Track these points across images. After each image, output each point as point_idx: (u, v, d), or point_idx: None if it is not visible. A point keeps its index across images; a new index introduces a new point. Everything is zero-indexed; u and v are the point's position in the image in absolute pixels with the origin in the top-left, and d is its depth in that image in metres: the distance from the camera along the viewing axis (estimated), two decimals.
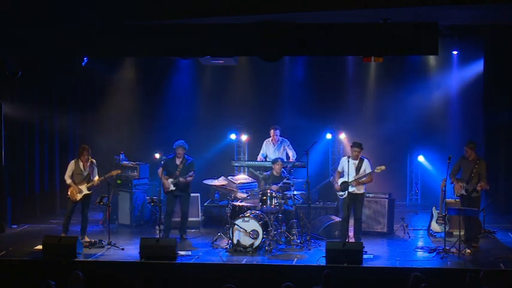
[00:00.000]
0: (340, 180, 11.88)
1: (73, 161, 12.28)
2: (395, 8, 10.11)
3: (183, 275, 10.52)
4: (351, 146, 11.96)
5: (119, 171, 12.91)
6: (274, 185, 12.13)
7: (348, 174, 11.62)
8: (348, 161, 11.66)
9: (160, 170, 12.43)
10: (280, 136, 14.19)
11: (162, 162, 12.46)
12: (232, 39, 10.44)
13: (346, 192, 11.66)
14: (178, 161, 12.36)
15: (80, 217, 12.28)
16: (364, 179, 11.69)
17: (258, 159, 14.30)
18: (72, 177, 12.14)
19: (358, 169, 11.69)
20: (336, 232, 12.23)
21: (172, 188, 12.24)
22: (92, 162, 12.27)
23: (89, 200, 12.27)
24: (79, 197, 12.06)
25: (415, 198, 16.04)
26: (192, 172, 12.30)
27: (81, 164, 12.16)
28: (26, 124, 14.05)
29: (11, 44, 10.82)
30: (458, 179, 11.62)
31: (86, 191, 12.09)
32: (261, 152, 14.31)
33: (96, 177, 12.23)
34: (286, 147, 14.15)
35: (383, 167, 11.65)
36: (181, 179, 12.19)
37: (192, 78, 16.21)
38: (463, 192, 11.55)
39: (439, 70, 15.60)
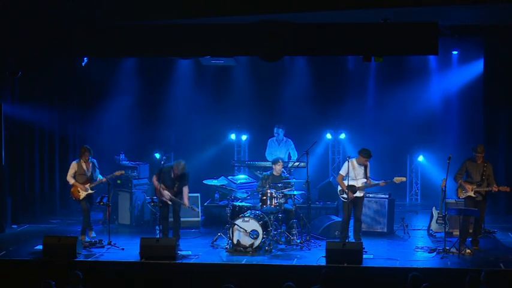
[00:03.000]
0: (345, 183, 11.77)
1: (75, 163, 12.31)
2: (395, 8, 10.13)
3: (183, 275, 10.52)
4: (364, 156, 11.57)
5: (123, 172, 12.87)
6: (273, 188, 12.07)
7: (359, 180, 11.59)
8: (359, 165, 11.61)
9: (155, 179, 12.08)
10: (284, 136, 14.23)
11: (158, 171, 12.08)
12: (232, 39, 10.44)
13: (353, 196, 11.62)
14: (173, 174, 11.96)
15: (80, 217, 12.29)
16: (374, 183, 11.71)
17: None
18: (74, 178, 12.18)
19: (365, 174, 11.67)
20: (336, 232, 12.21)
21: (169, 202, 11.94)
22: (93, 162, 12.31)
23: (92, 200, 12.33)
24: (82, 195, 12.11)
25: (415, 198, 16.04)
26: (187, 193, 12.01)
27: (83, 164, 12.21)
28: (26, 124, 14.04)
29: (11, 44, 10.82)
30: (466, 182, 11.57)
31: (89, 190, 12.17)
32: (267, 150, 14.36)
33: (99, 178, 12.29)
34: (289, 149, 14.20)
35: (403, 179, 11.92)
36: (183, 203, 11.89)
37: (192, 78, 16.19)
38: (471, 194, 11.49)
39: (439, 70, 15.59)
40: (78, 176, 12.19)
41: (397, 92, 15.42)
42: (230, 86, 16.14)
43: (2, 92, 13.13)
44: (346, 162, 11.74)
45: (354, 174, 11.61)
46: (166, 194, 11.89)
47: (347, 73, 15.90)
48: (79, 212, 12.27)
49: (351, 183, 11.60)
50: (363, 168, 11.67)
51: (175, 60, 15.72)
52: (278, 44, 10.14)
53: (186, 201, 11.96)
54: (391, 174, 14.60)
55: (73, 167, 12.28)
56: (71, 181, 12.20)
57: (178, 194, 11.98)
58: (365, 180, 11.64)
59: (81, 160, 12.24)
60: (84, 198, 12.17)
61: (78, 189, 12.11)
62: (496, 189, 11.40)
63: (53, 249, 10.96)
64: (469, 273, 8.56)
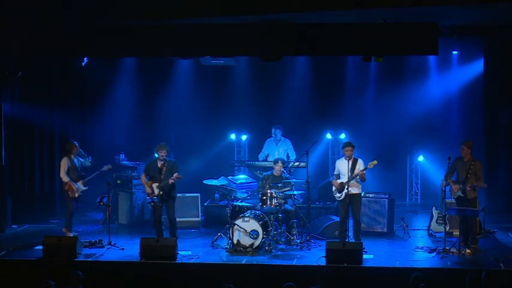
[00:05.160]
0: (338, 182, 11.83)
1: (66, 158, 12.32)
2: (395, 8, 10.14)
3: (183, 275, 10.52)
4: (343, 147, 11.87)
5: (110, 167, 12.84)
6: (273, 188, 12.08)
7: (346, 175, 11.60)
8: (348, 162, 11.64)
9: (143, 177, 12.05)
10: (282, 136, 14.24)
11: (144, 168, 12.07)
12: (232, 39, 10.44)
13: (343, 193, 11.64)
14: (160, 164, 11.82)
15: (80, 217, 12.33)
16: (357, 176, 11.66)
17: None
18: (68, 174, 12.19)
19: (352, 169, 11.66)
20: (336, 232, 12.20)
21: (160, 192, 11.75)
22: (77, 158, 12.42)
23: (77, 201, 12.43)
24: (77, 194, 12.16)
25: (415, 198, 16.04)
26: (177, 173, 11.80)
27: (75, 159, 12.25)
28: (26, 124, 14.04)
29: (11, 44, 10.83)
30: (454, 181, 11.57)
31: (83, 188, 12.23)
32: (263, 150, 14.35)
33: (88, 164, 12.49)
34: (287, 149, 14.19)
35: (375, 162, 11.61)
36: (170, 181, 11.71)
37: (192, 78, 16.19)
38: (460, 193, 11.49)
39: (439, 70, 15.59)
40: (71, 172, 12.23)
41: (397, 92, 15.42)
42: (230, 86, 16.14)
43: (2, 92, 13.13)
44: (336, 162, 12.06)
45: (344, 171, 11.66)
46: (155, 185, 11.78)
47: (347, 73, 15.90)
48: (78, 212, 12.27)
49: (341, 180, 11.70)
50: (351, 163, 11.66)
51: (175, 60, 15.72)
52: (278, 44, 10.14)
53: (170, 180, 11.75)
54: (390, 174, 14.65)
55: (66, 163, 12.26)
56: (66, 179, 12.20)
57: (165, 180, 11.78)
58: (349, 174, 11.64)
59: (71, 155, 12.29)
60: (78, 197, 12.28)
61: (73, 187, 12.14)
62: (469, 189, 11.35)
63: (53, 249, 10.96)
64: (469, 273, 8.56)
